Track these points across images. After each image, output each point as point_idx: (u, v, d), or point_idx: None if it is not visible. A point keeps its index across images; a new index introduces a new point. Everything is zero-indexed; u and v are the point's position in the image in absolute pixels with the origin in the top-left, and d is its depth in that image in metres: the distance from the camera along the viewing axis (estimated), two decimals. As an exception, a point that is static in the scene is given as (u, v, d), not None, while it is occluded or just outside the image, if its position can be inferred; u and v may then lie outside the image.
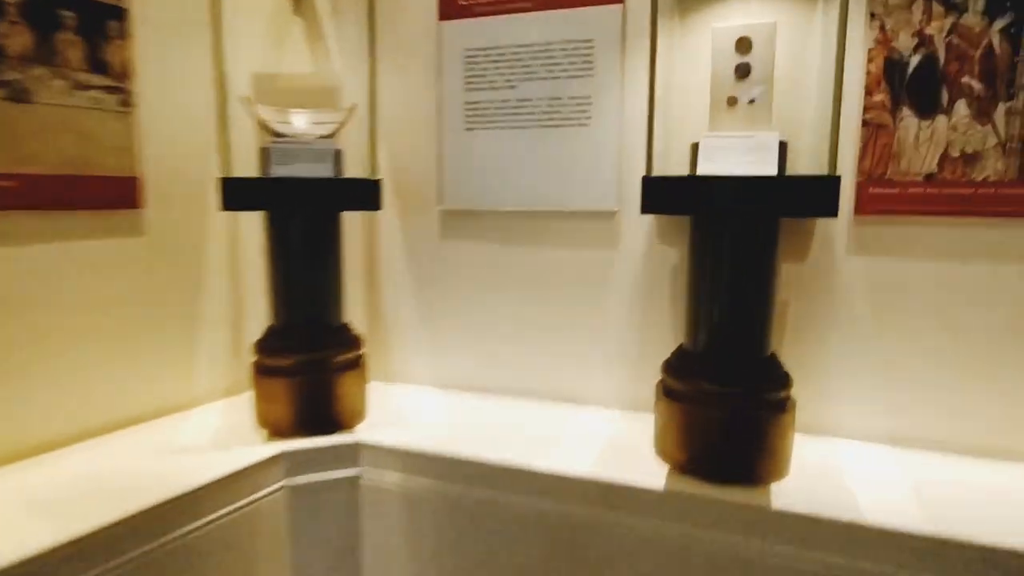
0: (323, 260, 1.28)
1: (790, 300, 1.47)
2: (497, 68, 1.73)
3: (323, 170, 1.26)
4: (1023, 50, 1.59)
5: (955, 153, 1.51)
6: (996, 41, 1.50)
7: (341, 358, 1.29)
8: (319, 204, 1.24)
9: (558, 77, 1.76)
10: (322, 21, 1.70)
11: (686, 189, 1.20)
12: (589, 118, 1.73)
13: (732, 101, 1.41)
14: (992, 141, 1.48)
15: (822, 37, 1.47)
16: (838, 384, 1.46)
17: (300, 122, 1.25)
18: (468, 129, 1.76)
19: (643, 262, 1.59)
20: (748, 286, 1.23)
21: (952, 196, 1.47)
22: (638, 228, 1.61)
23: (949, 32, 1.49)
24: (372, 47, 1.46)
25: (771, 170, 1.30)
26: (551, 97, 1.76)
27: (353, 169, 1.48)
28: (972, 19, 1.45)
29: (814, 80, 1.49)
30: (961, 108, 1.47)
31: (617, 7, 1.67)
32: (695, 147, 1.42)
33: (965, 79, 1.46)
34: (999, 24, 1.49)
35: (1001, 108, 1.52)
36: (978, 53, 1.45)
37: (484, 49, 1.72)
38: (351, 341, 1.32)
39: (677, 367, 1.25)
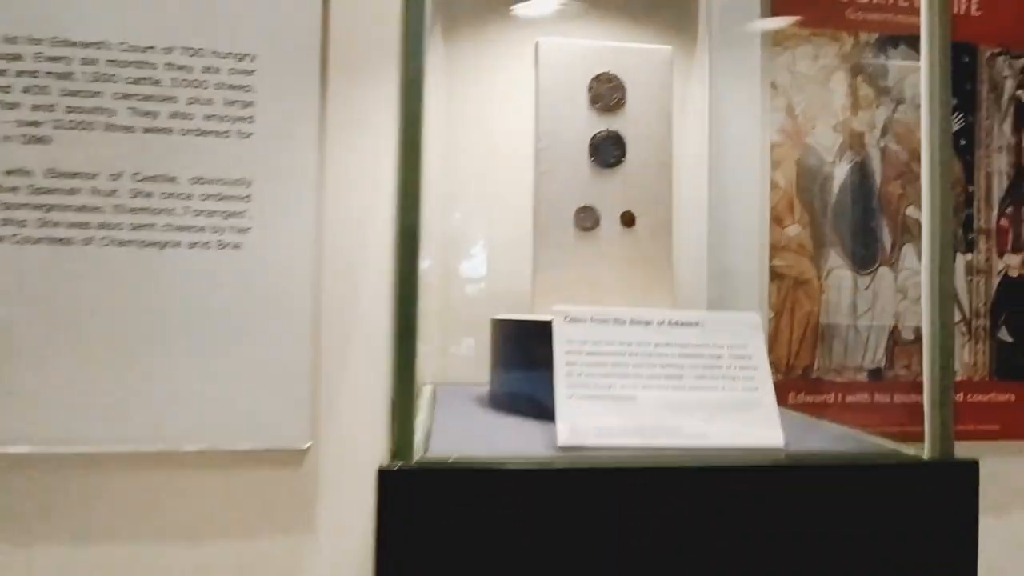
0: None
1: None
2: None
3: None
4: (978, 172, 1.05)
5: (908, 334, 1.14)
6: None
7: None
8: None
9: (163, 130, 0.99)
10: None
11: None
12: (245, 229, 1.00)
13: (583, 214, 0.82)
14: (954, 317, 1.14)
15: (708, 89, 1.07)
16: None
17: None
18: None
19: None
20: None
21: (914, 407, 0.85)
22: (356, 487, 0.99)
23: (884, 132, 1.16)
24: None
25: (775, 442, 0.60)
26: (140, 176, 0.99)
27: None
28: (912, 115, 1.15)
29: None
30: (910, 256, 1.14)
31: None
32: (503, 331, 0.83)
33: (911, 210, 1.15)
34: None
35: (960, 262, 1.17)
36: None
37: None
38: None
39: None
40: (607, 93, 0.83)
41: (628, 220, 0.82)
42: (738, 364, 0.59)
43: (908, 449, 0.62)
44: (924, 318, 0.61)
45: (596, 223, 0.82)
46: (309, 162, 1.03)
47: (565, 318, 0.58)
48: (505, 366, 0.78)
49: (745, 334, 0.61)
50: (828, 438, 0.69)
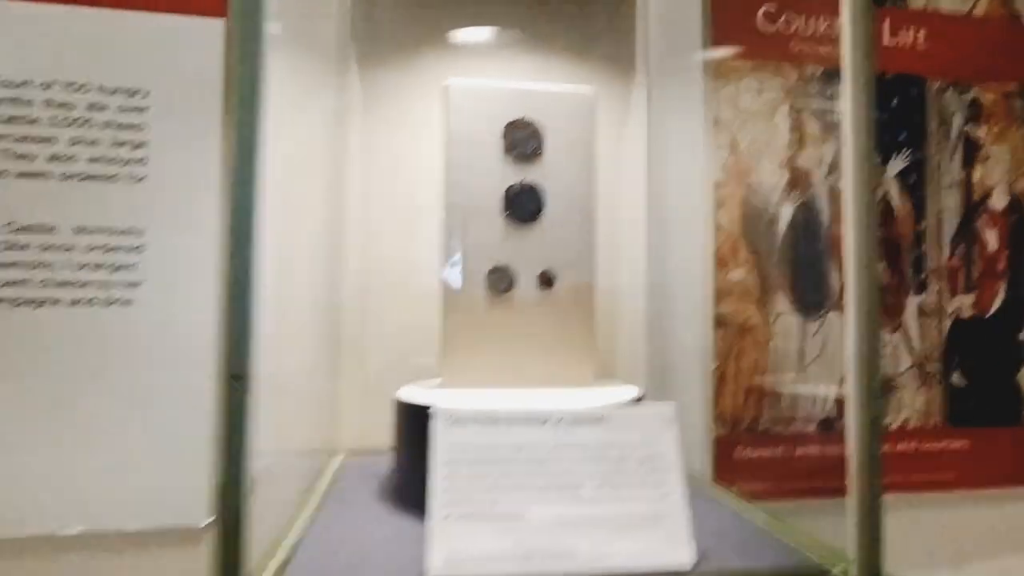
0: None
1: None
2: None
3: None
4: (928, 209, 1.03)
5: (859, 381, 0.95)
6: (894, 193, 1.15)
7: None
8: None
9: (40, 175, 0.90)
10: None
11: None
12: (136, 284, 0.92)
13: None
14: (905, 360, 1.13)
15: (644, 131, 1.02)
16: None
17: None
18: None
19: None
20: None
21: None
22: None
23: (831, 170, 1.12)
24: None
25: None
26: (15, 227, 0.90)
27: None
28: None
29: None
30: (857, 300, 1.10)
31: (215, 21, 0.91)
32: (400, 412, 0.76)
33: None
34: (895, 166, 1.15)
35: (911, 304, 1.14)
36: (871, 209, 1.05)
37: None
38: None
39: None
40: (523, 141, 0.78)
41: (547, 281, 0.76)
42: (647, 467, 0.54)
43: (835, 562, 0.56)
44: (848, 418, 0.56)
45: (511, 285, 0.76)
46: (209, 208, 0.95)
47: (446, 419, 0.52)
48: (403, 452, 0.71)
49: (656, 429, 0.55)
50: (751, 537, 0.63)
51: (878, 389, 0.58)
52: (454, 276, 0.76)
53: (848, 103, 0.58)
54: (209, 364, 0.91)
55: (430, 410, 0.53)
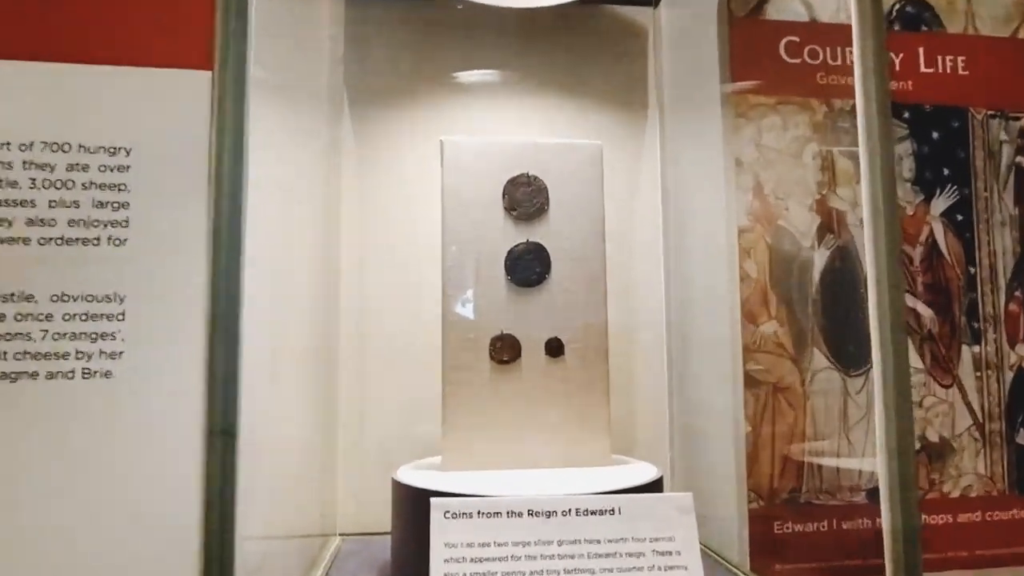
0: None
1: None
2: None
3: None
4: (981, 250, 1.13)
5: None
6: (940, 235, 1.17)
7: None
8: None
9: (18, 240, 0.86)
10: None
11: None
12: (117, 354, 0.85)
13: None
14: (964, 421, 1.12)
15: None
16: None
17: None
18: None
19: None
20: None
21: (926, 529, 1.01)
22: None
23: None
24: None
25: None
26: None
27: None
28: (900, 187, 1.14)
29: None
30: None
31: (203, 75, 0.89)
32: (397, 494, 0.81)
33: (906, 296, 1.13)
34: (939, 205, 1.17)
35: (967, 356, 1.15)
36: (917, 254, 1.15)
37: None
38: None
39: None
40: (526, 198, 0.81)
41: (555, 349, 0.79)
42: (663, 563, 0.55)
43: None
44: (881, 484, 0.58)
45: (516, 354, 0.79)
46: (196, 273, 1.00)
47: (444, 513, 0.54)
48: (401, 539, 0.73)
49: (674, 521, 0.57)
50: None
51: (910, 449, 0.58)
52: (454, 345, 0.79)
53: (862, 129, 0.61)
54: (197, 437, 0.94)
55: (431, 501, 0.55)
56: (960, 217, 1.17)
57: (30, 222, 0.98)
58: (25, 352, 0.96)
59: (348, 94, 1.07)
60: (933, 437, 1.11)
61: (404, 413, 1.00)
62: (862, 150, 0.59)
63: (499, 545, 0.54)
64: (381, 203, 1.05)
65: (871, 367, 1.11)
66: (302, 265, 0.99)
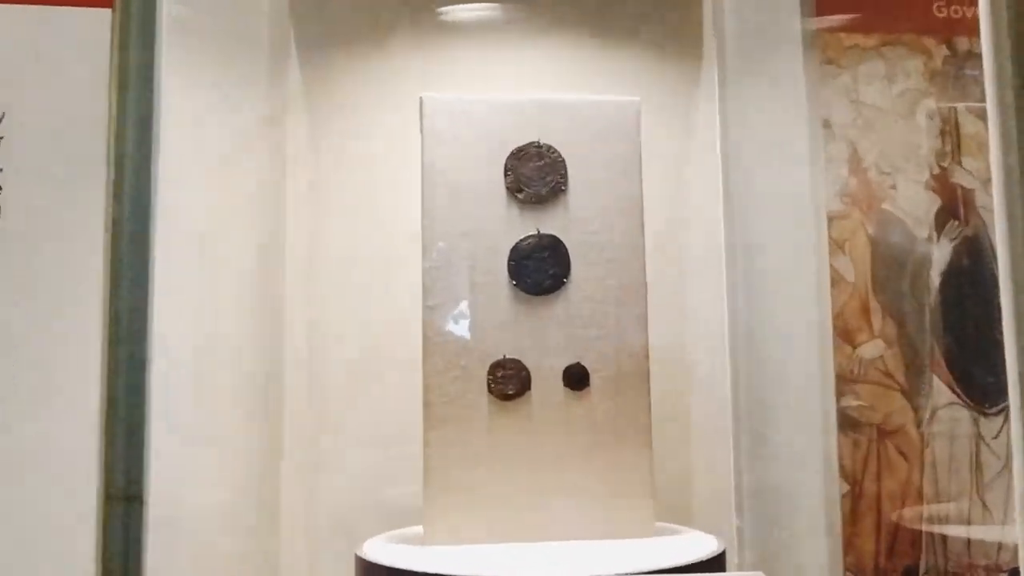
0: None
1: None
2: None
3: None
4: None
5: (1071, 508, 1.20)
6: None
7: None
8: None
9: None
10: None
11: None
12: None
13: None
14: None
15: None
16: None
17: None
18: None
19: None
20: None
21: None
22: None
23: None
24: None
25: None
26: None
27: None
28: None
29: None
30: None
31: (101, 13, 0.97)
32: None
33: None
34: None
35: None
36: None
37: None
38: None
39: None
40: (536, 176, 0.83)
41: (576, 379, 0.81)
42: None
43: None
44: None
45: (524, 387, 0.80)
46: (90, 294, 1.01)
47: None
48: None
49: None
50: None
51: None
52: (438, 375, 0.80)
53: (990, 77, 0.62)
54: (91, 512, 0.96)
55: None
56: None
57: None
58: None
59: (297, 36, 1.09)
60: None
61: (372, 468, 1.03)
62: (991, 106, 0.59)
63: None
64: (340, 184, 1.08)
65: (1006, 406, 1.13)
66: (233, 270, 1.00)
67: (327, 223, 1.08)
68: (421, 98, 0.85)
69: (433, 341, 0.82)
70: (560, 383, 0.81)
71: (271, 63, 1.07)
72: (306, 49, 1.09)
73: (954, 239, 1.15)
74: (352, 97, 1.08)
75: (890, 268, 1.13)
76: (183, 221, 0.86)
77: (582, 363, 0.82)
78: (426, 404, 0.80)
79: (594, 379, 0.82)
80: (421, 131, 0.85)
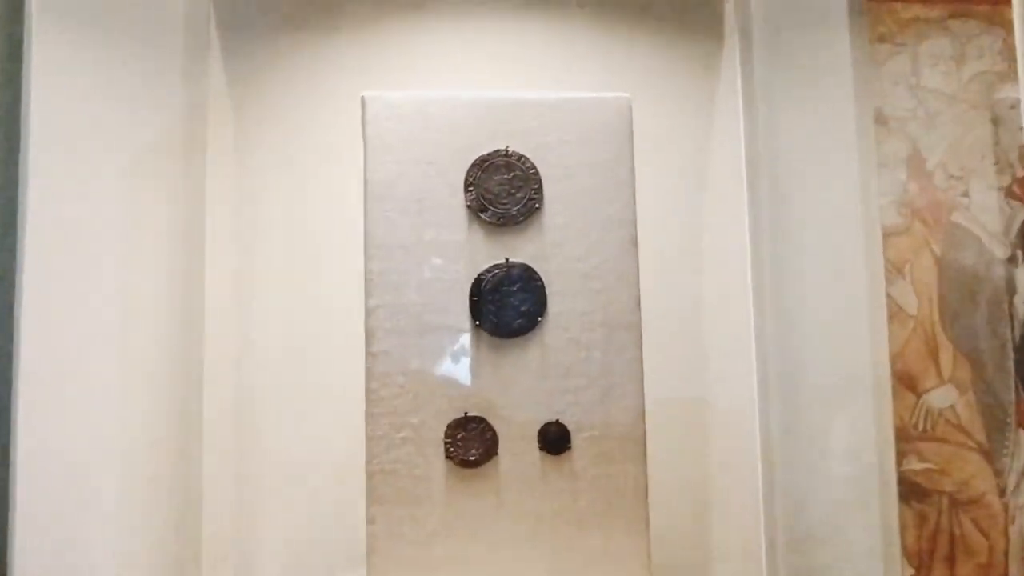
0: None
1: None
2: None
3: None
4: None
5: None
6: None
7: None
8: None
9: None
10: None
11: None
12: None
13: None
14: None
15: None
16: None
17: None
18: None
19: None
20: None
21: None
22: None
23: None
24: None
25: None
26: None
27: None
28: None
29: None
30: None
31: None
32: None
33: None
34: None
35: None
36: None
37: None
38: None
39: None
40: (504, 191, 0.86)
41: (555, 441, 0.83)
42: None
43: None
44: None
45: (490, 450, 0.83)
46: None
47: None
48: None
49: None
50: None
51: None
52: (383, 436, 0.82)
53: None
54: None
55: None
56: None
57: None
58: None
59: (218, 23, 1.13)
60: None
61: (305, 555, 1.05)
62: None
63: None
64: (268, 199, 1.11)
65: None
66: (139, 305, 1.03)
67: (252, 251, 1.11)
68: (363, 97, 0.87)
69: (378, 395, 0.84)
70: (535, 446, 0.83)
71: (186, 57, 1.09)
72: (230, 38, 1.12)
73: (1036, 265, 1.19)
74: (283, 95, 1.11)
75: (962, 296, 1.15)
76: (68, 256, 0.89)
77: (561, 421, 0.83)
78: (369, 474, 0.82)
79: (576, 440, 0.84)
80: (363, 136, 0.87)
